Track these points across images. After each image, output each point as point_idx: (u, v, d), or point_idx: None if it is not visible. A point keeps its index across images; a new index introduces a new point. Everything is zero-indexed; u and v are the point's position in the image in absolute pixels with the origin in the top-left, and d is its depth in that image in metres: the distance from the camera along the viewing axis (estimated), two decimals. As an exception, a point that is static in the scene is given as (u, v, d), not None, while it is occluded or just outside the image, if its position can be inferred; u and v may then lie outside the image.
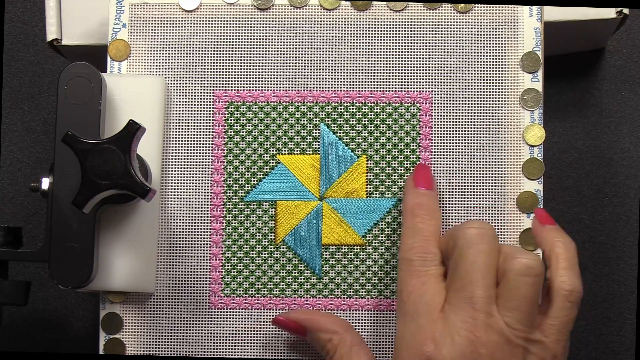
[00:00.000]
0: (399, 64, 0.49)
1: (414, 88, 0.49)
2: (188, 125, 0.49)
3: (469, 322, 0.41)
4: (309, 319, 0.46)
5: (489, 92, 0.49)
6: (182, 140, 0.49)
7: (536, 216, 0.46)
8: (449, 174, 0.48)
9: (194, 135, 0.49)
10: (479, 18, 0.49)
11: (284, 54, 0.49)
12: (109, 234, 0.46)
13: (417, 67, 0.49)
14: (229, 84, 0.49)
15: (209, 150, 0.49)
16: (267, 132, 0.49)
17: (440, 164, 0.48)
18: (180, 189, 0.48)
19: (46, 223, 0.44)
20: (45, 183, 0.45)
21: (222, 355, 0.48)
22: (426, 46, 0.49)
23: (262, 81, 0.49)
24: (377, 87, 0.49)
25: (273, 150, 0.49)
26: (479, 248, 0.42)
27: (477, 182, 0.48)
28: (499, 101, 0.48)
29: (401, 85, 0.49)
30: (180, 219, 0.48)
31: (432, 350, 0.41)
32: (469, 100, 0.49)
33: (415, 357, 0.41)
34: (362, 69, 0.49)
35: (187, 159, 0.48)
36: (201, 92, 0.49)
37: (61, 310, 0.59)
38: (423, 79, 0.49)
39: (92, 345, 0.58)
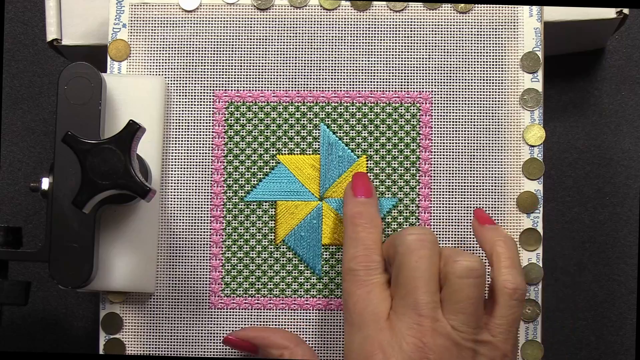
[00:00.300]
0: (399, 64, 0.49)
1: (414, 88, 0.49)
2: (188, 125, 0.49)
3: (415, 328, 0.41)
4: (258, 337, 0.46)
5: (489, 92, 0.49)
6: (182, 140, 0.49)
7: (475, 216, 0.46)
8: (449, 174, 0.48)
9: (194, 135, 0.49)
10: (479, 18, 0.49)
11: (284, 54, 0.49)
12: (109, 234, 0.46)
13: (417, 67, 0.49)
14: (229, 84, 0.49)
15: (209, 150, 0.49)
16: (267, 132, 0.49)
17: (440, 164, 0.48)
18: (180, 189, 0.48)
19: (46, 223, 0.44)
20: (45, 183, 0.45)
21: (222, 355, 0.48)
22: (426, 46, 0.49)
23: (262, 81, 0.49)
24: (377, 87, 0.49)
25: (273, 150, 0.49)
26: (419, 254, 0.42)
27: (477, 182, 0.48)
28: (499, 101, 0.48)
29: (401, 85, 0.49)
30: (180, 219, 0.48)
31: (381, 359, 0.41)
32: (469, 100, 0.49)
33: None
34: (362, 69, 0.49)
35: (187, 159, 0.48)
36: (201, 92, 0.49)
37: (61, 310, 0.59)
38: (423, 79, 0.49)
39: (92, 345, 0.58)
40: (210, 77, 0.49)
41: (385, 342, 0.41)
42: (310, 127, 0.49)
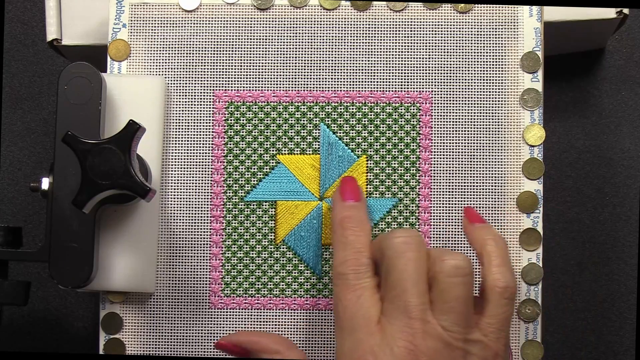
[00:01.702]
0: (399, 64, 0.49)
1: (414, 88, 0.49)
2: (188, 125, 0.49)
3: (406, 331, 0.41)
4: (250, 341, 0.46)
5: (489, 92, 0.49)
6: (182, 140, 0.49)
7: (465, 215, 0.46)
8: (449, 174, 0.48)
9: (194, 135, 0.49)
10: (479, 18, 0.49)
11: (284, 54, 0.49)
12: (109, 234, 0.46)
13: (417, 67, 0.49)
14: (229, 84, 0.49)
15: (209, 150, 0.49)
16: (267, 132, 0.49)
17: (440, 164, 0.48)
18: (180, 189, 0.48)
19: (46, 223, 0.44)
20: (45, 183, 0.45)
21: (222, 355, 0.48)
22: (426, 46, 0.49)
23: (262, 81, 0.49)
24: (377, 87, 0.49)
25: (273, 150, 0.49)
26: (407, 256, 0.41)
27: (477, 182, 0.48)
28: (499, 101, 0.48)
29: (401, 85, 0.49)
30: (180, 219, 0.48)
31: None
32: (469, 100, 0.49)
33: None
34: (362, 69, 0.49)
35: (187, 159, 0.49)
36: (201, 92, 0.49)
37: (61, 310, 0.59)
38: (423, 79, 0.49)
39: (92, 345, 0.58)
40: (210, 77, 0.49)
41: (376, 345, 0.41)
42: (310, 127, 0.49)
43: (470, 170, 0.48)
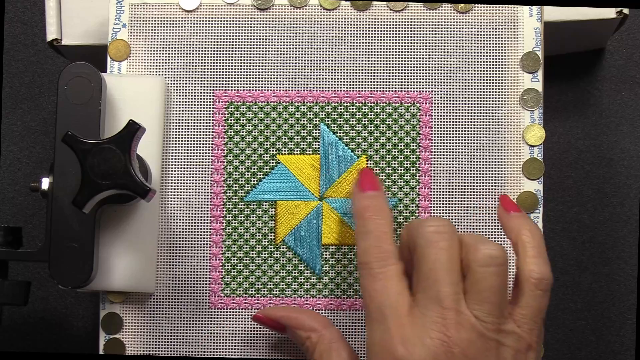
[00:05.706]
0: (399, 64, 0.49)
1: (414, 88, 0.49)
2: (188, 125, 0.49)
3: (439, 322, 0.40)
4: (287, 317, 0.46)
5: (489, 92, 0.49)
6: (182, 140, 0.49)
7: (501, 203, 0.45)
8: (449, 174, 0.48)
9: (194, 135, 0.49)
10: (479, 18, 0.49)
11: (284, 54, 0.49)
12: (109, 234, 0.46)
13: (417, 67, 0.49)
14: (229, 84, 0.49)
15: (209, 150, 0.49)
16: (267, 132, 0.49)
17: (440, 164, 0.48)
18: (180, 189, 0.48)
19: (46, 223, 0.44)
20: (45, 183, 0.45)
21: (222, 355, 0.48)
22: (426, 46, 0.49)
23: (262, 81, 0.49)
24: (377, 87, 0.49)
25: (273, 150, 0.49)
26: (439, 246, 0.41)
27: (477, 182, 0.48)
28: (499, 101, 0.48)
29: (401, 85, 0.49)
30: (180, 219, 0.48)
31: (404, 353, 0.40)
32: (469, 100, 0.49)
33: None
34: (362, 69, 0.49)
35: (187, 159, 0.49)
36: (201, 92, 0.49)
37: (61, 310, 0.59)
38: (423, 79, 0.49)
39: (92, 345, 0.58)
40: (210, 77, 0.49)
41: (408, 336, 0.40)
42: (310, 127, 0.49)
43: (470, 170, 0.48)
